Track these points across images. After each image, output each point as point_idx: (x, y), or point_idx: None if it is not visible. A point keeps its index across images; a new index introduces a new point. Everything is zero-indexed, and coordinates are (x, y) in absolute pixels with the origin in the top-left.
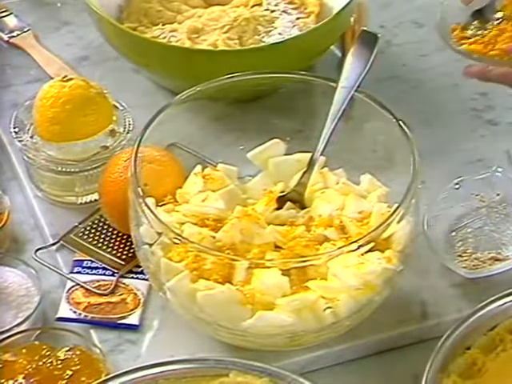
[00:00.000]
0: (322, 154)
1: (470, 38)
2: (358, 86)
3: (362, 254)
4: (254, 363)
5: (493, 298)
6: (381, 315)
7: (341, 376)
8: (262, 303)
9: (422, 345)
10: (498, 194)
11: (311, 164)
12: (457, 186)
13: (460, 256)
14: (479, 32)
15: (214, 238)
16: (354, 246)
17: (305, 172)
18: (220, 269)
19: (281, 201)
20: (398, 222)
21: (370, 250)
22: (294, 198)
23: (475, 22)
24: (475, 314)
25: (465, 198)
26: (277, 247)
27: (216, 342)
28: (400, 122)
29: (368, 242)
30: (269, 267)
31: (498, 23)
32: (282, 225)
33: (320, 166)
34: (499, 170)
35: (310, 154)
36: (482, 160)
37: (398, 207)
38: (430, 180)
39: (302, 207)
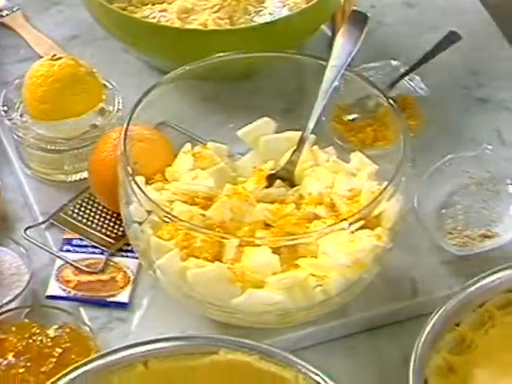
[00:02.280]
0: (312, 133)
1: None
2: (349, 65)
3: (352, 232)
4: (243, 340)
5: (482, 275)
6: (371, 292)
7: (331, 353)
8: (252, 281)
9: (412, 322)
10: (487, 172)
11: (301, 142)
12: (447, 164)
13: (450, 233)
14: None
15: (203, 216)
16: (344, 223)
17: (295, 150)
18: (210, 247)
19: (271, 179)
20: (388, 199)
21: (359, 228)
22: (284, 176)
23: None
24: (464, 290)
25: (455, 176)
26: (267, 225)
27: (206, 320)
28: (390, 101)
29: (358, 220)
30: (259, 245)
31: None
32: (272, 203)
33: (310, 144)
34: (489, 147)
35: (300, 133)
36: (472, 138)
37: (388, 185)
38: (420, 158)
39: (292, 185)
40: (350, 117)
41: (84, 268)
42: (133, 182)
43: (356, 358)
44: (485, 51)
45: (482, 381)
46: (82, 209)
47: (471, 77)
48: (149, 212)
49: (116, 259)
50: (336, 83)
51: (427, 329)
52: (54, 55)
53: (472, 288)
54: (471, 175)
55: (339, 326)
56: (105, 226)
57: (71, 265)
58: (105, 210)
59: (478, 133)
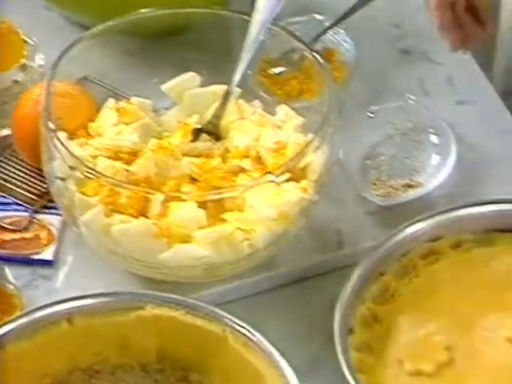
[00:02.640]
0: (237, 86)
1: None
2: (274, 20)
3: (278, 185)
4: (169, 295)
5: (405, 225)
6: (297, 245)
7: (258, 306)
8: (178, 236)
9: (338, 273)
10: (411, 122)
11: (226, 96)
12: (371, 115)
13: (374, 184)
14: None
15: (128, 171)
16: (270, 176)
17: (220, 104)
18: (135, 202)
19: (196, 133)
20: (314, 151)
21: (286, 181)
22: (210, 130)
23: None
24: (388, 240)
25: (379, 127)
26: (193, 179)
27: (132, 276)
28: (314, 54)
29: (284, 173)
30: (184, 200)
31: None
32: (198, 157)
33: (236, 98)
34: (412, 98)
35: (225, 86)
36: (395, 89)
37: (313, 137)
38: (346, 109)
39: (218, 139)
40: (276, 70)
41: (7, 226)
42: (55, 138)
43: (283, 311)
44: (407, 4)
45: (405, 328)
46: (5, 166)
47: (394, 29)
48: (72, 168)
49: (40, 216)
50: (261, 37)
51: (351, 279)
52: None
53: (395, 238)
54: (395, 126)
55: (266, 279)
56: (28, 182)
57: None
58: (28, 166)
59: (401, 84)
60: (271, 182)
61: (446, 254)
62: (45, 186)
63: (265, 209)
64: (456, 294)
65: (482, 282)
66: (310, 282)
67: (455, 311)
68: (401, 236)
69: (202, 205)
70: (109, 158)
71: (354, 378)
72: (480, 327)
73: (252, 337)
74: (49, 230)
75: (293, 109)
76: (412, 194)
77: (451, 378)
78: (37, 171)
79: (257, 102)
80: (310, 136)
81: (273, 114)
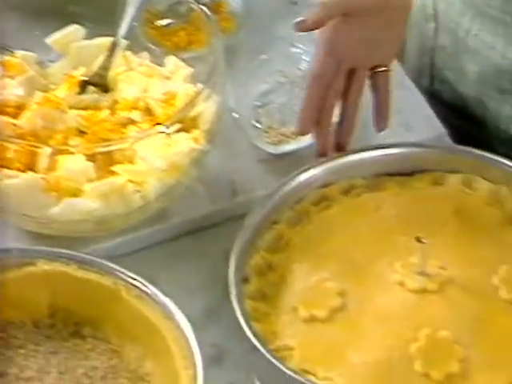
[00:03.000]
0: (124, 38)
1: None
2: None
3: (169, 136)
4: (61, 251)
5: (296, 172)
6: (190, 196)
7: (153, 258)
8: (67, 190)
9: (233, 223)
10: (300, 70)
11: (113, 47)
12: (261, 64)
13: (266, 132)
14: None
15: (14, 125)
16: (160, 127)
17: (107, 56)
18: (22, 157)
19: (83, 85)
20: (204, 101)
21: (176, 131)
22: (97, 82)
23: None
24: (280, 188)
25: (269, 75)
26: (81, 132)
27: (22, 232)
28: (200, 6)
29: (174, 123)
30: (73, 153)
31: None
32: (86, 109)
33: (122, 50)
34: (301, 46)
35: (111, 38)
36: (284, 38)
37: (203, 87)
38: (235, 59)
39: (106, 91)
40: (163, 22)
41: None
42: None
43: (178, 262)
44: None
45: (299, 276)
46: None
47: None
48: None
49: None
50: None
51: (245, 229)
52: None
53: (287, 186)
54: (284, 74)
55: (159, 231)
56: None
57: None
58: None
59: (290, 33)
60: (161, 133)
61: (337, 199)
62: None
63: (155, 160)
64: (348, 240)
65: (373, 226)
66: (204, 232)
67: (347, 257)
68: (293, 184)
69: (90, 158)
70: None
71: (250, 327)
72: (371, 272)
73: (145, 289)
74: None
75: (181, 60)
76: (303, 141)
77: (344, 322)
78: None
79: (144, 54)
80: (200, 86)
81: (161, 65)
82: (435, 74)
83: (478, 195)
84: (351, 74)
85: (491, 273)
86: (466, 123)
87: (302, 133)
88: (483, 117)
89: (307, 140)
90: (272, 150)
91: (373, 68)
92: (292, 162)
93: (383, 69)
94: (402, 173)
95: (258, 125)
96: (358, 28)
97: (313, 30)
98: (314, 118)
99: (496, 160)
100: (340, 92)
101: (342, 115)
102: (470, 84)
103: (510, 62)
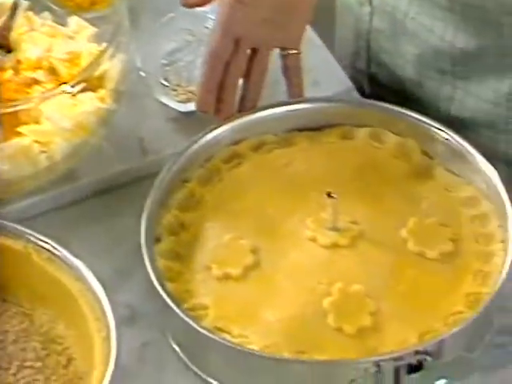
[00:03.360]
0: None
1: None
2: None
3: (74, 95)
4: None
5: (206, 130)
6: (99, 156)
7: (64, 220)
8: None
9: (144, 182)
10: (207, 28)
11: (14, 8)
12: (168, 22)
13: (174, 90)
14: None
15: None
16: (65, 86)
17: (9, 16)
18: None
19: None
20: (109, 60)
21: (82, 91)
22: (0, 43)
23: None
24: (190, 146)
25: (176, 34)
26: None
27: None
28: None
29: (79, 83)
30: None
31: None
32: None
33: (24, 10)
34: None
35: None
36: None
37: (107, 46)
38: (141, 17)
39: (9, 51)
40: None
41: None
42: None
43: (89, 223)
44: None
45: (212, 234)
46: None
47: None
48: None
49: None
50: None
51: (155, 188)
52: None
53: (197, 144)
54: (192, 32)
55: (69, 192)
56: None
57: None
58: None
59: None
60: (66, 92)
61: (247, 156)
62: None
63: (61, 120)
64: (259, 197)
65: (284, 183)
66: (115, 192)
67: (259, 214)
68: (202, 141)
69: None
70: None
71: (163, 286)
72: (284, 228)
73: (56, 252)
74: None
75: (85, 20)
76: None
77: (257, 280)
78: None
79: (47, 14)
80: (104, 45)
81: (64, 25)
82: (372, 57)
83: (385, 148)
84: (254, 53)
85: (400, 225)
86: (405, 105)
87: (202, 110)
88: (422, 98)
89: None
90: (181, 108)
91: (282, 49)
92: (201, 119)
93: (293, 51)
94: (312, 128)
95: (165, 83)
96: (252, 7)
97: (198, 6)
98: (213, 96)
99: (403, 113)
100: (241, 71)
101: (244, 93)
102: (408, 66)
103: (449, 44)
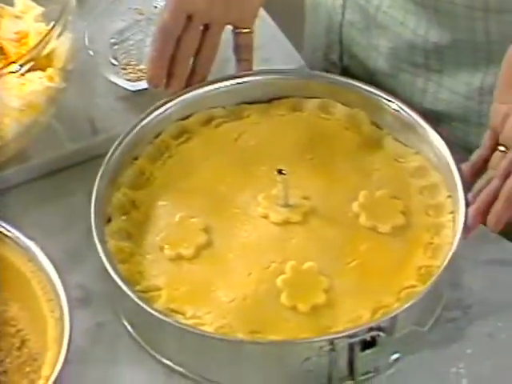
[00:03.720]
0: None
1: None
2: None
3: (23, 75)
4: None
5: (154, 106)
6: (49, 135)
7: (14, 200)
8: None
9: (95, 161)
10: (155, 7)
11: None
12: (116, 1)
13: (124, 69)
14: None
15: None
16: (14, 66)
17: None
18: None
19: None
20: (57, 38)
21: (30, 70)
22: None
23: None
24: (139, 124)
25: (124, 13)
26: None
27: None
28: None
29: (27, 62)
30: None
31: None
32: None
33: None
34: None
35: None
36: None
37: (54, 25)
38: None
39: None
40: None
41: None
42: None
43: (40, 204)
44: None
45: (163, 212)
46: None
47: None
48: None
49: None
50: None
51: (104, 166)
52: None
53: (145, 120)
54: (140, 11)
55: (19, 172)
56: None
57: None
58: None
59: None
60: (14, 72)
61: (197, 131)
62: None
63: (11, 100)
64: (210, 173)
65: (234, 158)
66: (66, 172)
67: (210, 191)
68: (150, 118)
69: None
70: None
71: (114, 268)
72: (235, 206)
73: (8, 233)
74: None
75: None
76: None
77: (210, 259)
78: None
79: None
80: (51, 24)
81: (11, 5)
82: (344, 50)
83: (335, 120)
84: (206, 29)
85: (351, 199)
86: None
87: (153, 85)
88: (395, 90)
89: None
90: (131, 86)
91: (235, 28)
92: (151, 98)
93: (245, 30)
94: (261, 100)
95: (115, 62)
96: None
97: None
98: (164, 70)
99: (352, 84)
100: (193, 46)
101: (193, 68)
102: (381, 59)
103: (423, 38)
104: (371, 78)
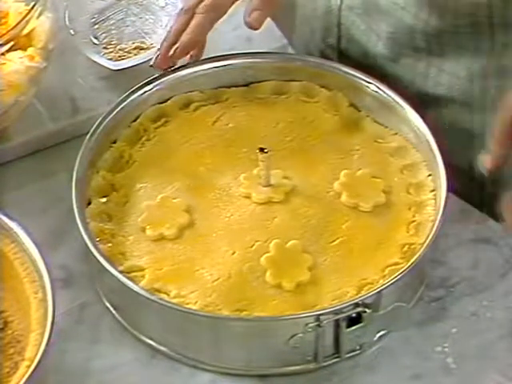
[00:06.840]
0: None
1: None
2: None
3: (3, 54)
4: None
5: (132, 90)
6: (30, 115)
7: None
8: None
9: (77, 141)
10: None
11: None
12: None
13: (105, 48)
14: None
15: None
16: None
17: None
18: None
19: None
20: (37, 18)
21: (10, 50)
22: None
23: None
24: (118, 106)
25: None
26: None
27: None
28: None
29: (8, 42)
30: None
31: None
32: None
33: None
34: None
35: None
36: None
37: (34, 4)
38: None
39: None
40: None
41: None
42: None
43: (22, 184)
44: None
45: (144, 194)
46: None
47: None
48: None
49: None
50: None
51: (83, 149)
52: None
53: (123, 103)
54: None
55: (1, 152)
56: None
57: None
58: None
59: None
60: None
61: (175, 115)
62: None
63: None
64: (189, 155)
65: (214, 140)
66: (48, 152)
67: (191, 172)
68: (128, 101)
69: None
70: None
71: (97, 249)
72: (217, 186)
73: None
74: None
75: None
76: (143, 56)
77: (193, 239)
78: None
79: None
80: (31, 4)
81: None
82: (342, 34)
83: (315, 102)
84: None
85: (332, 179)
86: (377, 79)
87: (160, 68)
88: (396, 74)
89: (147, 55)
90: (112, 66)
91: None
92: (133, 77)
93: None
94: (242, 84)
95: (95, 41)
96: None
97: None
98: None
99: (332, 67)
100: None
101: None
102: (380, 43)
103: (424, 22)
104: (371, 62)
